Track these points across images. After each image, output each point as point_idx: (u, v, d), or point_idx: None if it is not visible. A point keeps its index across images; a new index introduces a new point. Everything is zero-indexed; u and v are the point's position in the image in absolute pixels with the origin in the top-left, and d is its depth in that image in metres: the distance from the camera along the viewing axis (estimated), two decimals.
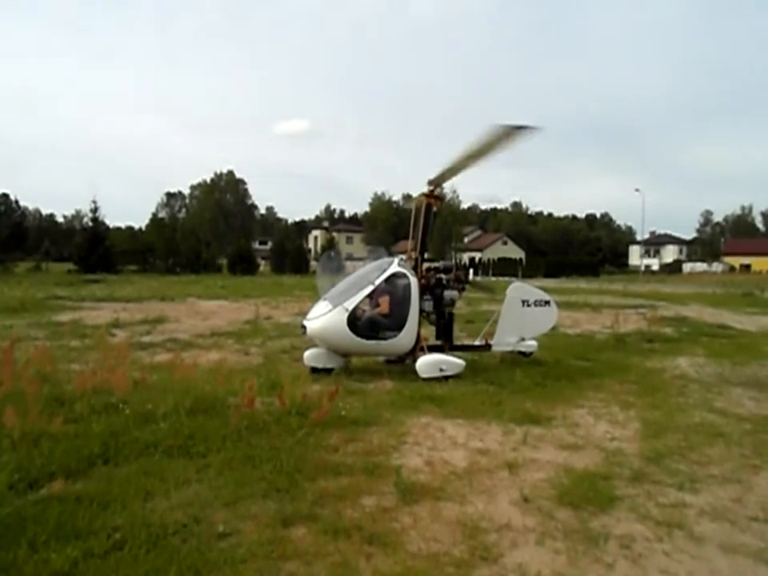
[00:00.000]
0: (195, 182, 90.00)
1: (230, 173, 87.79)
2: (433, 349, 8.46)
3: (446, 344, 8.85)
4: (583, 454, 5.24)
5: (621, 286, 35.74)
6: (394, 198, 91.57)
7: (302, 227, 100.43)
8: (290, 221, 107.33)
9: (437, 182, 8.57)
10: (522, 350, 9.34)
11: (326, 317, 7.79)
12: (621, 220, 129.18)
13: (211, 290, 25.61)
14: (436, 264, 9.42)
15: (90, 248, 41.95)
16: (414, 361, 8.09)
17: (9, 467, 4.11)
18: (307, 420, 5.47)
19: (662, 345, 11.97)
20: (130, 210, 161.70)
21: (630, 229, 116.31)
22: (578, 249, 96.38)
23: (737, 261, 76.80)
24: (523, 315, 9.15)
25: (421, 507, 4.00)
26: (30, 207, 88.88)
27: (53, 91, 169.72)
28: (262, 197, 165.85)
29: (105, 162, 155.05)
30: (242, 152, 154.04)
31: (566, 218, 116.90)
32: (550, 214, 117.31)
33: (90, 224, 46.02)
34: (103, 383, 6.20)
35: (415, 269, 8.46)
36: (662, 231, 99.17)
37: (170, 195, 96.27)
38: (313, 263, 52.78)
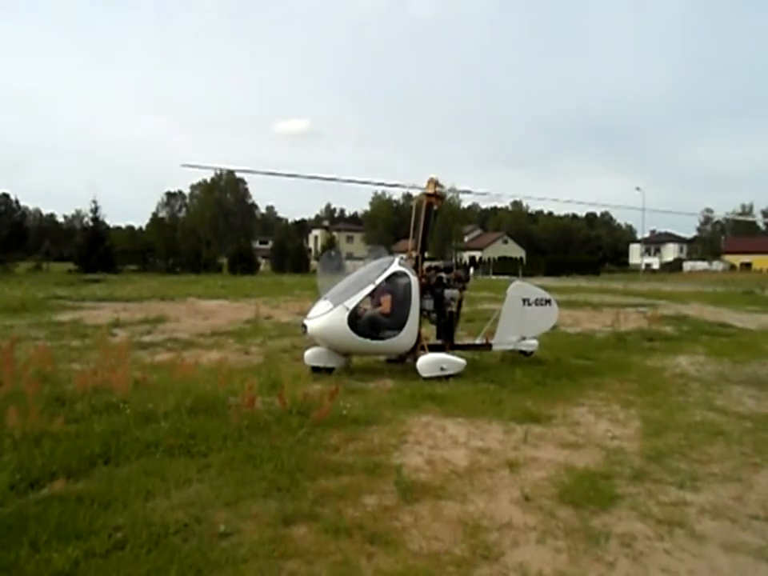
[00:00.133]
0: (195, 181, 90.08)
1: (230, 172, 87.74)
2: (433, 348, 8.46)
3: (447, 343, 8.85)
4: (584, 452, 5.24)
5: (621, 284, 35.69)
6: (394, 198, 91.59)
7: (303, 226, 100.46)
8: (290, 220, 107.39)
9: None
10: (523, 348, 9.34)
11: (326, 316, 7.79)
12: (621, 219, 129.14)
13: (211, 289, 25.61)
14: (436, 263, 9.42)
15: (91, 248, 41.96)
16: (415, 360, 8.09)
17: (10, 467, 4.11)
18: (308, 419, 5.47)
19: (662, 343, 11.97)
20: (130, 209, 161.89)
21: (630, 227, 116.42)
22: (579, 248, 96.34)
23: (737, 259, 76.84)
24: (524, 314, 9.15)
25: (422, 506, 4.00)
26: (31, 207, 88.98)
27: (53, 91, 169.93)
28: (262, 196, 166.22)
29: (105, 161, 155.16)
30: (242, 151, 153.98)
31: (566, 216, 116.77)
32: (551, 213, 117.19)
33: (91, 224, 46.02)
34: (104, 383, 6.20)
35: (416, 268, 8.45)
36: (662, 230, 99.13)
37: (170, 195, 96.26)
38: (313, 262, 52.79)
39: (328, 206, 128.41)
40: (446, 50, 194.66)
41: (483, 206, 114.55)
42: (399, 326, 8.04)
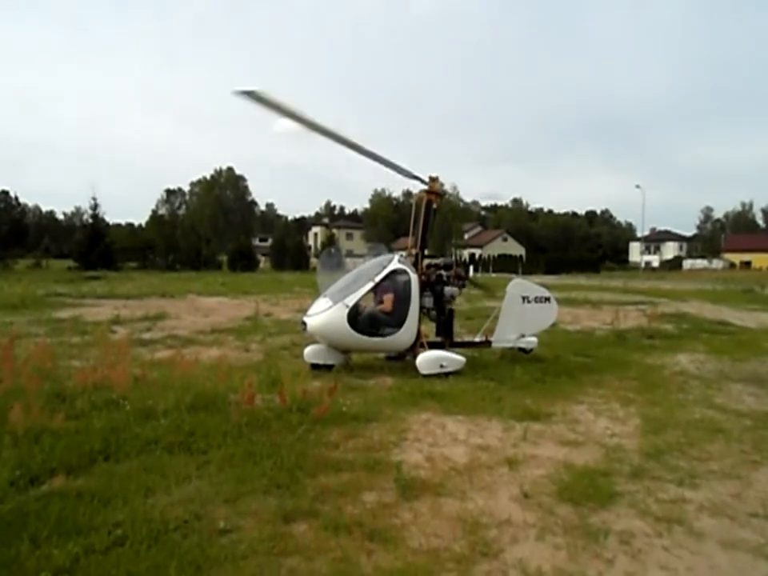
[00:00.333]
0: (195, 178, 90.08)
1: (230, 169, 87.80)
2: (433, 345, 8.47)
3: (446, 340, 8.85)
4: (583, 450, 5.24)
5: (621, 282, 35.67)
6: (394, 195, 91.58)
7: (302, 224, 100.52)
8: (289, 217, 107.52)
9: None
10: (522, 346, 9.34)
11: (326, 313, 7.79)
12: (621, 216, 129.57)
13: (211, 286, 25.59)
14: (436, 260, 9.41)
15: (90, 245, 41.89)
16: (415, 357, 8.09)
17: (10, 463, 4.12)
18: (308, 416, 5.48)
19: (662, 341, 11.97)
20: (129, 206, 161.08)
21: (630, 225, 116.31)
22: (579, 245, 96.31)
23: (737, 257, 76.86)
24: (523, 312, 9.14)
25: (421, 503, 4.01)
26: (30, 204, 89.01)
27: (53, 88, 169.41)
28: (261, 193, 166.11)
29: (104, 158, 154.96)
30: (241, 148, 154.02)
31: (566, 214, 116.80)
32: (551, 211, 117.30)
33: (90, 221, 45.93)
34: (104, 380, 6.20)
35: (415, 265, 8.45)
36: (662, 228, 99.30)
37: (169, 192, 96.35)
38: (313, 260, 52.78)
39: (328, 204, 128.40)
40: (446, 48, 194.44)
41: (483, 203, 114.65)
42: (399, 323, 8.04)
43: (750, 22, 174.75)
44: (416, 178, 8.52)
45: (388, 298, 8.12)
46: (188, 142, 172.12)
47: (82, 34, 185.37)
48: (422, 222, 8.59)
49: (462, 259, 64.52)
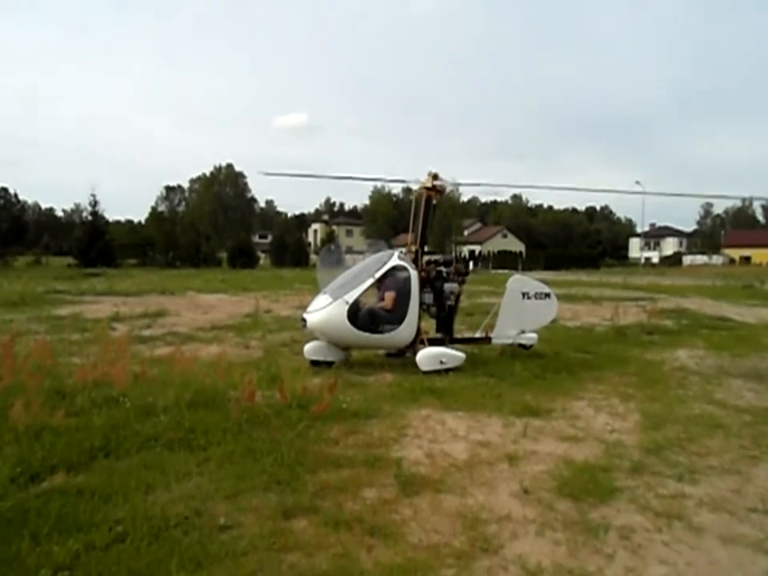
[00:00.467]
0: (194, 175, 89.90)
1: (230, 166, 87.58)
2: (433, 342, 8.46)
3: (446, 337, 8.85)
4: (583, 445, 5.25)
5: (621, 278, 35.69)
6: (394, 192, 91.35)
7: (302, 220, 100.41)
8: (289, 214, 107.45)
9: None
10: (522, 342, 9.34)
11: (325, 310, 7.79)
12: (621, 212, 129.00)
13: (211, 283, 25.58)
14: (436, 257, 9.41)
15: (90, 242, 41.93)
16: (414, 354, 8.09)
17: (11, 460, 4.12)
18: (308, 413, 5.48)
19: (661, 337, 11.98)
20: (129, 203, 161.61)
21: (630, 221, 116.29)
22: (578, 241, 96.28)
23: (737, 253, 76.79)
24: (523, 308, 9.14)
25: (421, 499, 4.01)
26: (30, 201, 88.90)
27: (53, 88, 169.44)
28: (261, 190, 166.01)
29: (104, 156, 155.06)
30: (241, 145, 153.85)
31: (565, 210, 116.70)
32: (550, 207, 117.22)
33: (90, 218, 46.00)
34: (104, 376, 6.20)
35: (415, 262, 8.44)
36: (662, 224, 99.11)
37: (169, 189, 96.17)
38: (313, 256, 52.77)
39: (327, 200, 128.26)
40: (446, 44, 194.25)
41: (483, 199, 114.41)
42: (399, 319, 8.03)
43: (750, 18, 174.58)
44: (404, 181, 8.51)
45: (389, 295, 8.12)
46: (187, 139, 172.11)
47: (82, 34, 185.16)
48: (422, 218, 8.58)
49: (462, 255, 64.54)
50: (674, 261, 76.13)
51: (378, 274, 8.09)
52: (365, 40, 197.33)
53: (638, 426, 5.88)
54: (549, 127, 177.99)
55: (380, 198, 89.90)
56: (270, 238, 71.01)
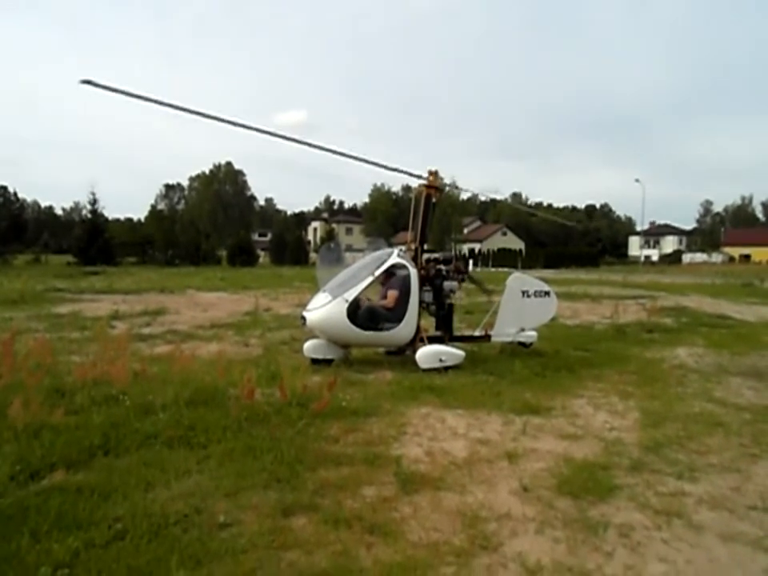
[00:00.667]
0: (194, 173, 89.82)
1: (229, 164, 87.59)
2: (432, 340, 8.46)
3: (446, 335, 8.85)
4: (582, 443, 5.25)
5: (620, 276, 35.71)
6: (394, 190, 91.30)
7: (302, 219, 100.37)
8: (289, 212, 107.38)
9: None
10: (522, 340, 9.35)
11: (325, 308, 7.79)
12: (620, 211, 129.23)
13: (211, 281, 25.58)
14: (436, 255, 9.39)
15: (89, 240, 41.93)
16: (414, 352, 8.09)
17: (10, 458, 4.12)
18: (307, 411, 5.47)
19: (661, 335, 11.98)
20: (128, 201, 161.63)
21: (629, 219, 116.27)
22: (578, 240, 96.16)
23: (736, 251, 76.81)
24: (523, 306, 9.15)
25: (421, 497, 4.01)
26: (29, 199, 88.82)
27: (53, 87, 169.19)
28: (260, 188, 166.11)
29: (103, 154, 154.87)
30: (240, 143, 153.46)
31: (565, 208, 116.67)
32: (550, 205, 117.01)
33: (89, 216, 45.97)
34: (103, 375, 6.20)
35: (415, 260, 8.44)
36: (661, 222, 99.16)
37: (168, 187, 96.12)
38: (312, 255, 52.74)
39: (327, 198, 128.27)
40: (446, 43, 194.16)
41: (482, 197, 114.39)
42: (398, 317, 8.04)
43: (751, 16, 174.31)
44: (415, 175, 8.49)
45: (392, 294, 8.11)
46: (187, 137, 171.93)
47: (82, 34, 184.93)
48: (422, 216, 8.57)
49: (462, 253, 64.51)
50: (673, 259, 76.13)
51: (378, 272, 8.09)
52: (364, 39, 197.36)
53: (638, 423, 5.89)
54: (549, 127, 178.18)
55: (380, 196, 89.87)
56: (269, 236, 70.98)
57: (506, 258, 59.22)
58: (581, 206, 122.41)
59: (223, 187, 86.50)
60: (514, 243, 77.29)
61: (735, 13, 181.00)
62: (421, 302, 8.37)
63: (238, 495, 3.88)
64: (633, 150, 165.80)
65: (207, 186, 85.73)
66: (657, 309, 15.66)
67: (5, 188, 50.75)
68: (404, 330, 8.10)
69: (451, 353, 8.05)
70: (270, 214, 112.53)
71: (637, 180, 65.36)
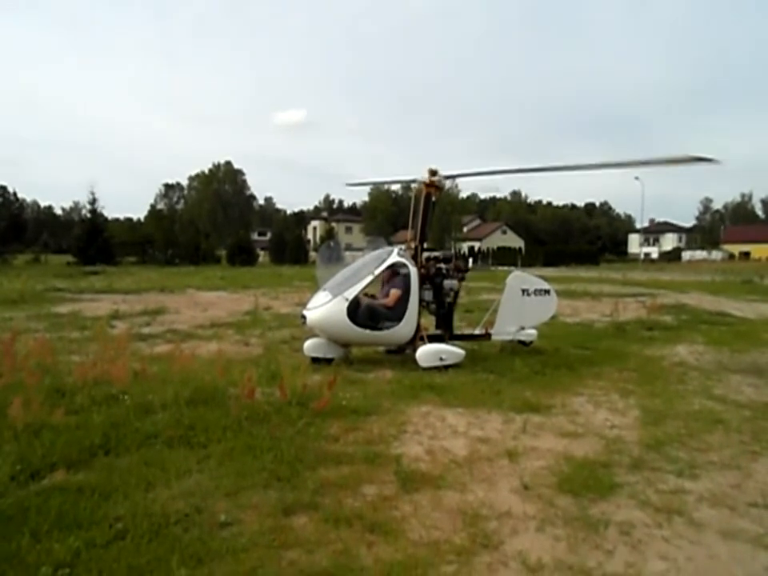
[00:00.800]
0: (193, 173, 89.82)
1: (228, 163, 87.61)
2: (433, 338, 8.46)
3: (446, 333, 8.85)
4: (583, 441, 5.25)
5: (620, 274, 35.65)
6: (393, 188, 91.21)
7: (301, 218, 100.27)
8: (288, 211, 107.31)
9: None
10: (522, 338, 9.35)
11: (325, 307, 7.78)
12: (620, 208, 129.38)
13: (210, 281, 25.57)
14: (436, 253, 9.39)
15: (89, 240, 41.82)
16: (414, 350, 8.09)
17: (11, 458, 4.11)
18: (308, 410, 5.47)
19: (661, 333, 11.97)
20: (128, 201, 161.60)
21: (629, 217, 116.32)
22: (578, 237, 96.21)
23: (736, 248, 76.88)
24: (523, 304, 9.14)
25: (421, 495, 4.01)
26: (29, 199, 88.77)
27: (53, 87, 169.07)
28: (260, 187, 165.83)
29: (103, 153, 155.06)
30: (240, 142, 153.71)
31: (565, 206, 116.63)
32: (549, 203, 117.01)
33: (89, 216, 45.85)
34: (103, 374, 6.19)
35: (415, 258, 8.43)
36: (661, 219, 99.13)
37: (168, 186, 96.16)
38: (312, 254, 52.72)
39: (327, 197, 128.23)
40: (445, 43, 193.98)
41: (482, 195, 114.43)
42: (398, 316, 8.03)
43: (751, 14, 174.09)
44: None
45: (394, 293, 8.11)
46: (186, 136, 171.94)
47: (82, 34, 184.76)
48: (422, 214, 8.57)
49: (462, 252, 64.45)
50: (673, 256, 76.07)
51: (378, 271, 8.08)
52: (364, 39, 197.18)
53: (638, 421, 5.89)
54: (548, 126, 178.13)
55: (379, 195, 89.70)
56: (269, 235, 70.91)
57: (505, 256, 59.20)
58: (580, 203, 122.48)
59: (222, 186, 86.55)
60: (514, 241, 77.26)
61: (735, 13, 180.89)
62: (421, 300, 8.37)
63: (238, 494, 3.88)
64: (633, 149, 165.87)
65: (207, 186, 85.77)
66: (657, 306, 15.64)
67: (4, 188, 50.71)
68: (404, 328, 8.09)
69: (451, 351, 8.05)
70: (269, 213, 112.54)
71: (636, 178, 65.27)
